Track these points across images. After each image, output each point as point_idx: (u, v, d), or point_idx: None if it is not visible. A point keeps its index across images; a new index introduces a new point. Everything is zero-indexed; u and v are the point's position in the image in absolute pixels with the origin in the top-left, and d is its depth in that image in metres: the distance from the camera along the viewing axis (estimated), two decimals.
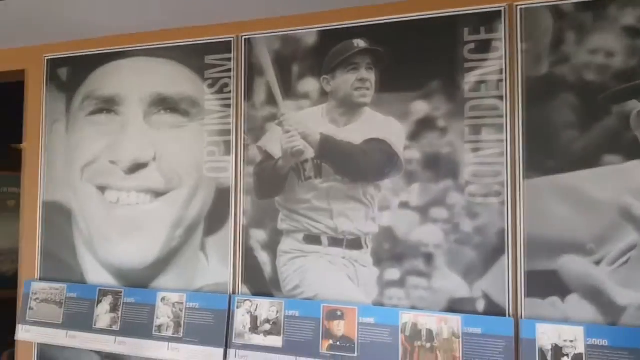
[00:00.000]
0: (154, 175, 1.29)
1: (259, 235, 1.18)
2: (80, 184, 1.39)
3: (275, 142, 1.18)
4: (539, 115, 0.96)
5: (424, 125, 1.06)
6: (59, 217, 1.41)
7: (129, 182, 1.32)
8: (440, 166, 1.03)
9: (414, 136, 1.06)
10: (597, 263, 0.89)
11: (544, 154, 0.95)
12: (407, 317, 1.00)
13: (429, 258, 1.02)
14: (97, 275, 1.34)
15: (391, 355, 0.99)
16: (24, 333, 1.39)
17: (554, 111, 0.95)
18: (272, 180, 1.17)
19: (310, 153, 1.14)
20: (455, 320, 0.97)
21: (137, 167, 1.31)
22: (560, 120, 0.94)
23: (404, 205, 1.05)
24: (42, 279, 1.42)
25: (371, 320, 1.03)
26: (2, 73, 1.57)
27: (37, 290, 1.40)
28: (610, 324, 0.88)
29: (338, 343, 1.04)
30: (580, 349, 0.88)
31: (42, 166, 1.45)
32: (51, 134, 1.44)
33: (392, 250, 1.05)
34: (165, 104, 1.29)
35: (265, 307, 1.12)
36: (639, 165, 0.89)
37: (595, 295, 0.89)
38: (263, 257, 1.17)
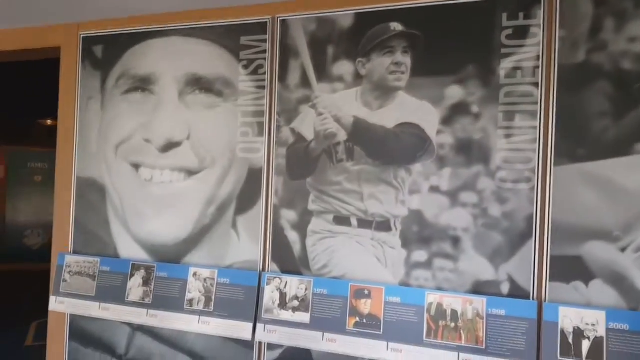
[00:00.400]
0: (188, 154, 1.53)
1: (289, 215, 1.40)
2: (114, 161, 1.64)
3: (308, 124, 1.38)
4: (573, 102, 1.12)
5: (458, 110, 1.23)
6: (93, 192, 1.68)
7: (162, 160, 1.56)
8: (472, 151, 1.21)
9: (447, 121, 1.24)
10: (623, 250, 1.06)
11: (576, 142, 1.11)
12: (432, 298, 1.20)
13: (456, 241, 1.21)
14: (130, 250, 1.61)
15: (416, 333, 1.20)
16: (57, 304, 1.67)
17: (588, 99, 1.10)
18: (304, 162, 1.39)
19: (342, 136, 1.34)
20: (480, 302, 1.16)
21: (171, 146, 1.55)
22: (593, 108, 1.10)
23: (435, 189, 1.24)
24: (74, 252, 1.70)
25: (397, 299, 1.23)
26: (37, 50, 1.85)
27: (70, 263, 1.68)
28: (632, 310, 1.05)
29: (364, 320, 1.25)
30: (601, 332, 1.05)
31: (76, 142, 1.72)
32: (86, 110, 1.70)
33: (420, 233, 1.24)
34: (200, 84, 1.52)
35: (294, 285, 1.35)
36: None
37: (619, 281, 1.05)
38: (293, 236, 1.39)
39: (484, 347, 1.14)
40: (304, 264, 1.37)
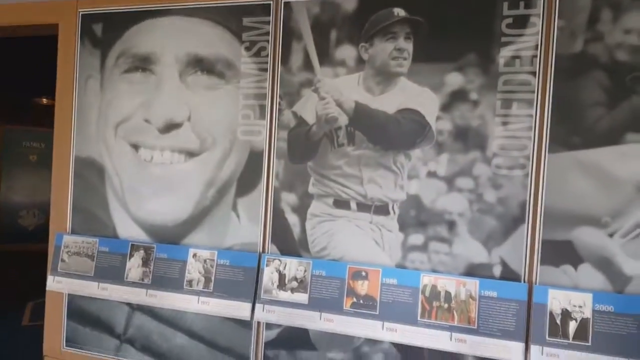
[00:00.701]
0: (188, 135, 1.65)
1: (289, 198, 1.53)
2: (114, 141, 1.77)
3: (309, 108, 1.51)
4: (568, 91, 1.24)
5: (457, 97, 1.36)
6: (92, 172, 1.81)
7: (163, 141, 1.69)
8: (469, 138, 1.34)
9: (446, 108, 1.37)
10: (611, 235, 1.19)
11: (570, 130, 1.24)
12: (427, 280, 1.34)
13: (451, 225, 1.35)
14: (129, 230, 1.74)
15: (410, 313, 1.34)
16: (55, 284, 1.82)
17: (583, 88, 1.23)
18: (305, 145, 1.51)
19: (344, 120, 1.47)
20: (472, 284, 1.30)
21: (171, 127, 1.67)
22: (588, 98, 1.22)
23: (432, 174, 1.37)
24: (72, 232, 1.84)
25: (394, 281, 1.37)
26: (34, 26, 1.96)
27: (69, 243, 1.82)
28: (617, 292, 1.19)
29: (361, 301, 1.40)
30: (588, 314, 1.19)
31: (75, 121, 1.85)
32: (85, 89, 1.82)
33: (417, 217, 1.38)
34: (201, 64, 1.64)
35: (294, 266, 1.49)
36: None
37: (606, 265, 1.19)
38: (293, 219, 1.52)
39: (475, 327, 1.28)
40: (304, 246, 1.51)
